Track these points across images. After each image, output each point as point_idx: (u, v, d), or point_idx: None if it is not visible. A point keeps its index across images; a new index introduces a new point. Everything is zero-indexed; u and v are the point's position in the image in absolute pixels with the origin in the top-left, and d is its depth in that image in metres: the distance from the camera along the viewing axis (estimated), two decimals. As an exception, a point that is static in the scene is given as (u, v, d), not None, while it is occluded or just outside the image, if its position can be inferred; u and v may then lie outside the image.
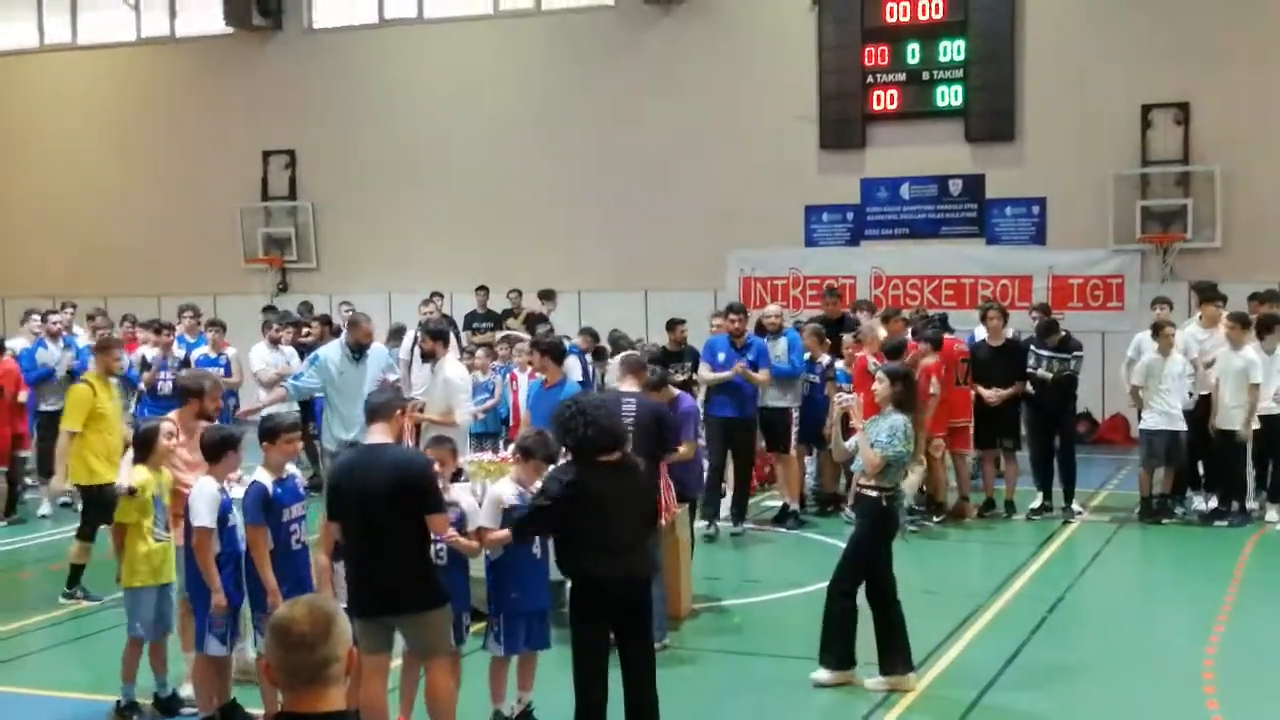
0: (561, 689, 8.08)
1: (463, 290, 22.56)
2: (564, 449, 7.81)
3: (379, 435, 7.91)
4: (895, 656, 9.23)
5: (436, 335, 12.99)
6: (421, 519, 7.68)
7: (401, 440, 8.52)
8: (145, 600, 8.77)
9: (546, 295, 21.00)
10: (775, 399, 14.78)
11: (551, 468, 7.97)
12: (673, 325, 16.99)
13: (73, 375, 16.05)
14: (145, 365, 16.02)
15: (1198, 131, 20.62)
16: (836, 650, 9.28)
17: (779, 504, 15.21)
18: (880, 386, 9.39)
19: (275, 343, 16.77)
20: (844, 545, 9.81)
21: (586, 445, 7.37)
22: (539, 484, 8.31)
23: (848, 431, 9.58)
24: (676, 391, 11.75)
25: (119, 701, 8.84)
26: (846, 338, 15.12)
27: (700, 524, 13.97)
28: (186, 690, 8.94)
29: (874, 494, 9.19)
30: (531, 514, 7.59)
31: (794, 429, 14.84)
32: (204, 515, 8.30)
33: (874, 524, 9.24)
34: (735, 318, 14.54)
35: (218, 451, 8.56)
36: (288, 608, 3.66)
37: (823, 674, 9.30)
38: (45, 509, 16.17)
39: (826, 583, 9.52)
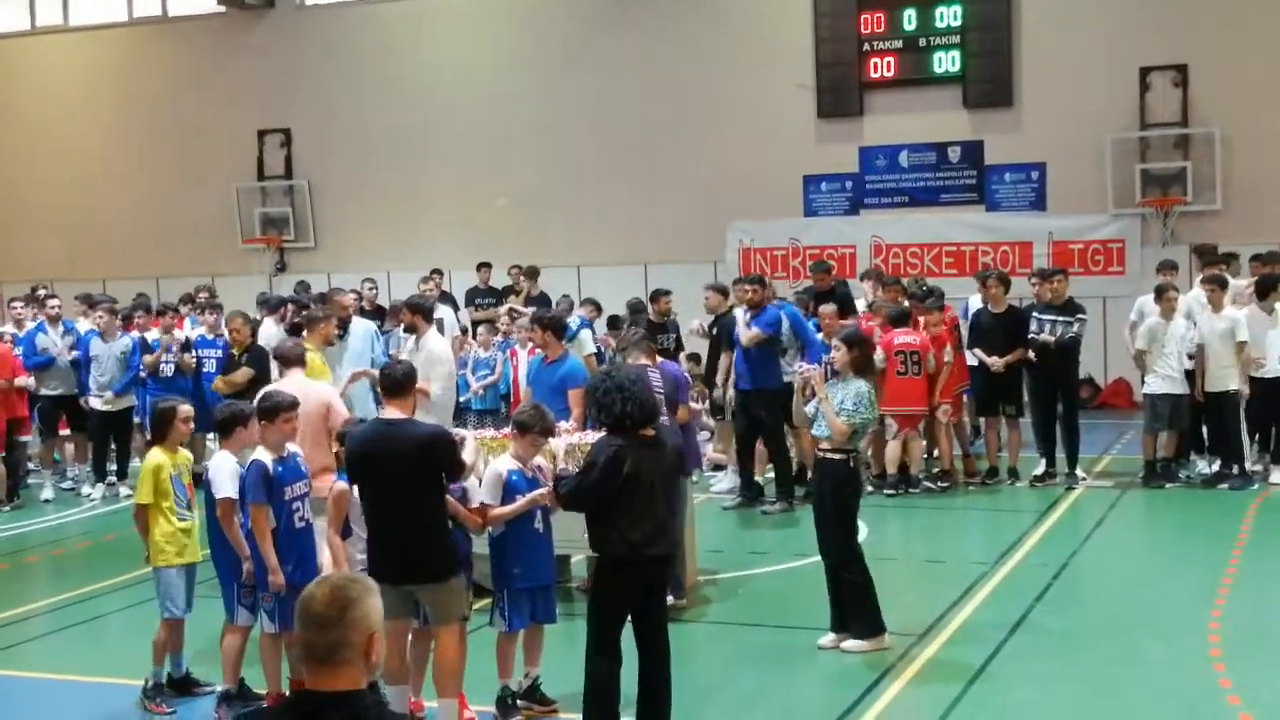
0: (567, 662, 8.10)
1: (461, 267, 22.50)
2: (600, 425, 7.81)
3: (395, 411, 7.98)
4: (860, 619, 9.37)
5: (416, 309, 12.93)
6: (442, 489, 7.80)
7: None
8: (174, 580, 8.79)
9: (532, 273, 20.81)
10: (787, 373, 14.65)
11: (594, 441, 7.97)
12: (657, 296, 17.07)
13: (75, 365, 16.08)
14: (147, 348, 15.97)
15: (1196, 93, 20.54)
16: (866, 619, 9.36)
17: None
18: (839, 354, 9.50)
19: (281, 320, 16.62)
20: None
21: (625, 421, 7.39)
22: (545, 463, 8.32)
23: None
24: (658, 358, 11.77)
25: (147, 684, 8.84)
26: (826, 308, 14.95)
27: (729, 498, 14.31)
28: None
29: (838, 457, 9.29)
30: (577, 488, 7.56)
31: None
32: (226, 487, 8.40)
33: (842, 487, 9.33)
34: (746, 288, 14.36)
35: (228, 427, 8.66)
36: (314, 585, 3.70)
37: (855, 644, 9.36)
38: (48, 494, 16.18)
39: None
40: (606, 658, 7.52)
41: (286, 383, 10.88)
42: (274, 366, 11.63)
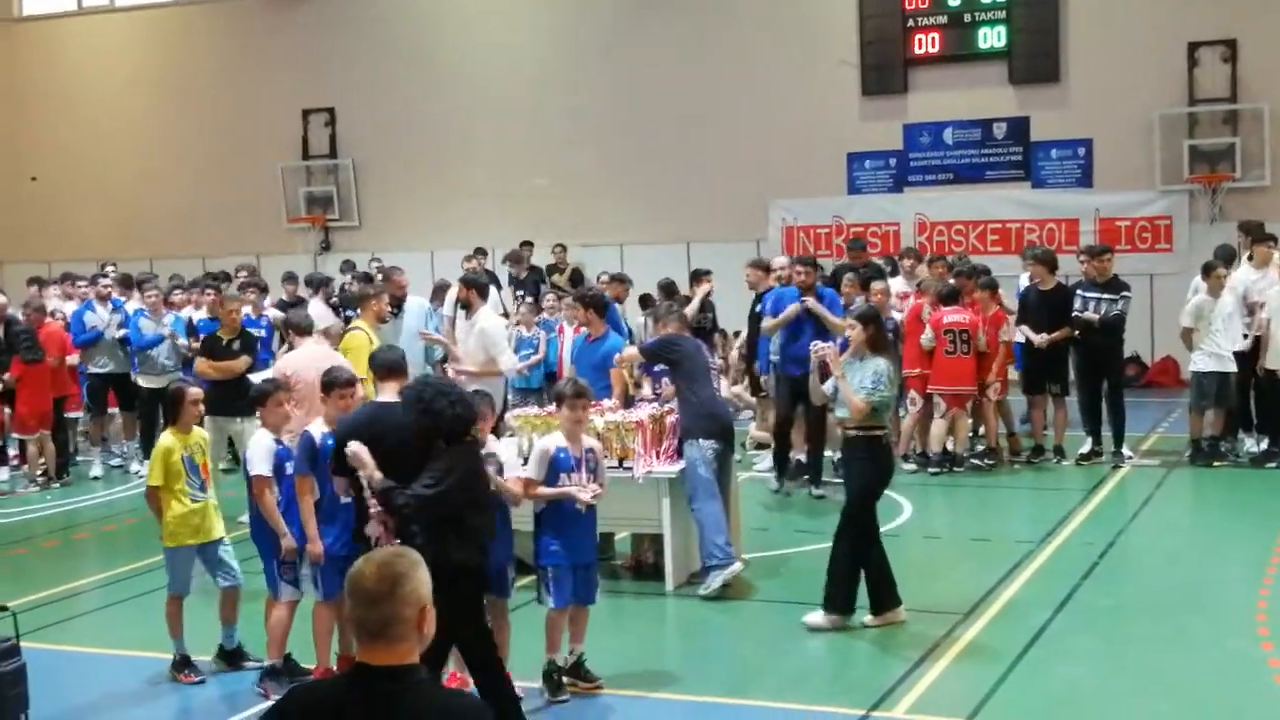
0: (614, 640, 8.12)
1: (505, 245, 22.52)
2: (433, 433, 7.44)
3: (389, 394, 8.01)
4: (885, 594, 9.43)
5: (471, 285, 12.97)
6: None
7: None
8: (183, 559, 8.97)
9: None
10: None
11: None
12: (697, 276, 17.06)
13: (124, 342, 16.19)
14: (192, 329, 15.98)
15: (1245, 68, 20.32)
16: (842, 595, 9.41)
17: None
18: (854, 332, 9.49)
19: (327, 301, 16.58)
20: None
21: (458, 425, 7.22)
22: (598, 446, 8.31)
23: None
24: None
25: (174, 658, 8.98)
26: (876, 284, 14.88)
27: (770, 481, 14.20)
28: None
29: (863, 435, 9.31)
30: (429, 501, 7.18)
31: None
32: (260, 465, 8.55)
33: (870, 465, 9.36)
34: (803, 270, 13.77)
35: (260, 404, 8.84)
36: (362, 562, 3.71)
37: (820, 618, 9.40)
38: (97, 471, 16.34)
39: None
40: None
41: (298, 353, 11.13)
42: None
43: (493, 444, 8.44)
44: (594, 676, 8.44)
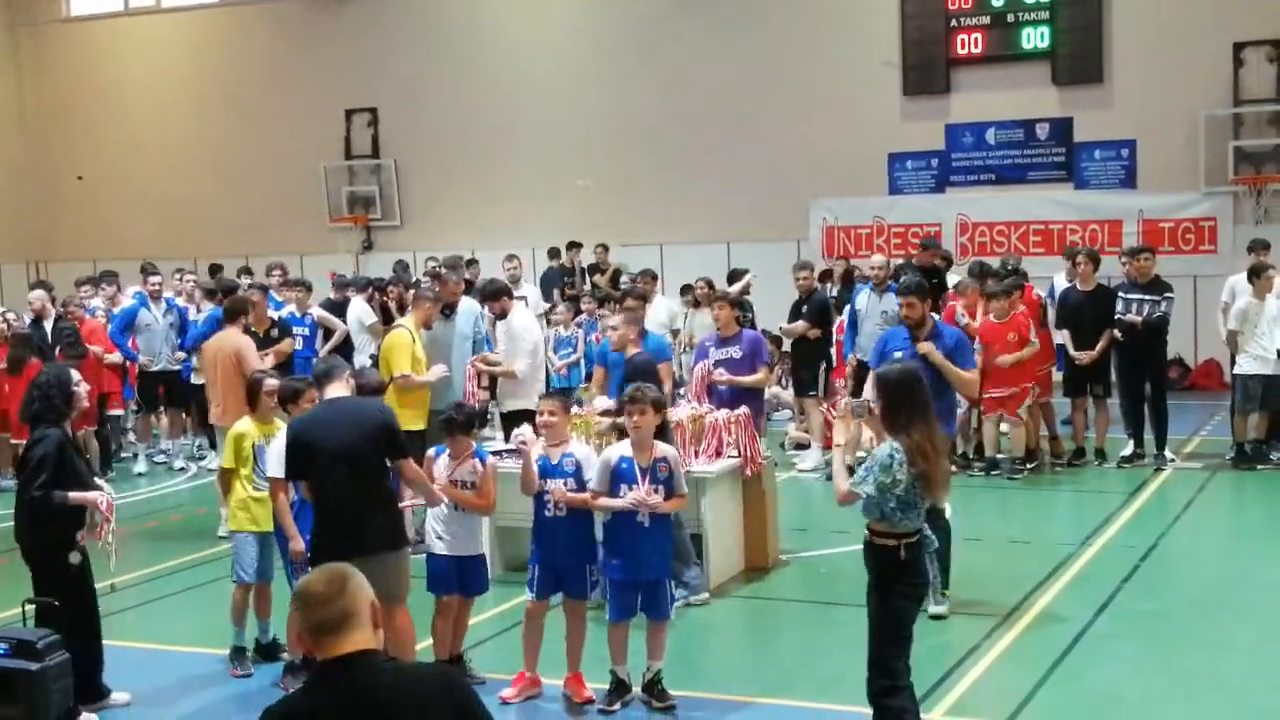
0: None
1: (546, 245, 22.54)
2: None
3: (337, 390, 8.09)
4: None
5: (490, 297, 12.90)
6: (385, 465, 7.85)
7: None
8: (247, 545, 9.06)
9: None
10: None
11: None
12: (735, 276, 17.11)
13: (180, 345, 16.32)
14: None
15: (1292, 68, 20.17)
16: None
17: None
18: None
19: (369, 301, 16.55)
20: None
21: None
22: (673, 454, 8.35)
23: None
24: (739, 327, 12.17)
25: (231, 648, 9.14)
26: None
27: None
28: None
29: (887, 542, 6.84)
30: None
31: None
32: (274, 466, 8.51)
33: (891, 584, 6.86)
34: (907, 301, 10.57)
35: (290, 403, 8.91)
36: (308, 576, 4.00)
37: None
38: (141, 467, 16.47)
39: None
40: None
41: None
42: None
43: (572, 445, 8.43)
44: (667, 696, 8.11)
